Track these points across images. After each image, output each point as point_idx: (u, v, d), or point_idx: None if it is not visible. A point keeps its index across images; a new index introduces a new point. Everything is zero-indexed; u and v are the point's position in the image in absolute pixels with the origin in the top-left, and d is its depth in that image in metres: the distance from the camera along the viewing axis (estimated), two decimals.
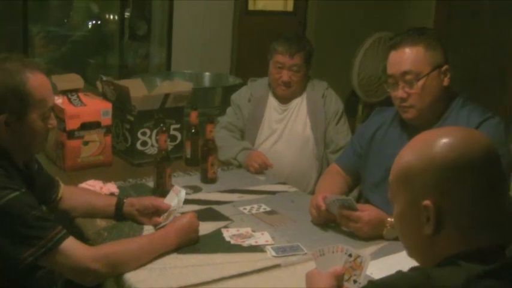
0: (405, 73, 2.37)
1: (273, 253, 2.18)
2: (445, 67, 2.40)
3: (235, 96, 3.51)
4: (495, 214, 1.31)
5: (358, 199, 2.74)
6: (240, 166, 3.18)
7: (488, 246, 1.29)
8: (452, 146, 1.31)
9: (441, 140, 1.33)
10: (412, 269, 1.31)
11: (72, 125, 2.95)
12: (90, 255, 1.96)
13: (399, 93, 2.40)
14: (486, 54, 5.42)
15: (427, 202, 1.30)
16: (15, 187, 1.90)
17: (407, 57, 2.38)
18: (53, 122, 2.13)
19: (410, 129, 2.53)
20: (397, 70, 2.40)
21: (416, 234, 1.35)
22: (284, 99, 3.41)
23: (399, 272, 1.32)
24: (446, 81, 2.41)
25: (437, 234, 1.31)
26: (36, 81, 2.01)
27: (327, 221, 2.44)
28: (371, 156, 2.66)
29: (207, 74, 5.02)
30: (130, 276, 1.98)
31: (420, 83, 2.36)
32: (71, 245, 1.93)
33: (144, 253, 2.07)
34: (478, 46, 5.43)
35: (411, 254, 1.43)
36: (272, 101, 3.42)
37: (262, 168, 3.09)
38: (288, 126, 3.39)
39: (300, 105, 3.39)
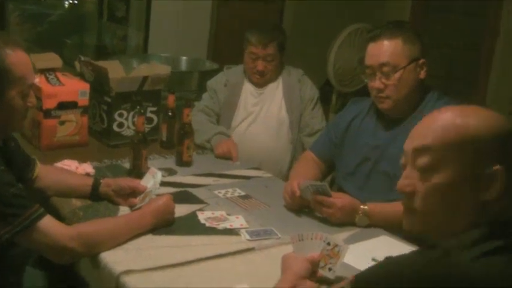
0: (383, 65, 2.42)
1: (247, 236, 2.21)
2: (422, 60, 2.46)
3: (211, 82, 3.54)
4: None
5: (331, 186, 2.78)
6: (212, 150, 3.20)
7: None
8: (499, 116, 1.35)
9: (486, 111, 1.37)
10: (431, 247, 1.30)
11: (49, 104, 2.94)
12: (67, 233, 1.96)
13: (376, 83, 2.45)
14: (460, 51, 5.49)
15: (497, 167, 1.30)
16: None
17: (385, 49, 2.43)
18: (32, 100, 2.11)
19: (385, 119, 2.58)
20: (375, 61, 2.44)
21: (466, 202, 1.33)
22: (259, 85, 3.45)
23: (416, 251, 1.34)
24: (422, 74, 2.47)
25: (498, 200, 1.31)
26: (15, 58, 1.99)
27: (301, 207, 2.48)
28: (346, 145, 2.70)
29: (184, 58, 5.01)
30: (106, 256, 1.99)
31: (397, 75, 2.41)
32: (48, 224, 1.93)
33: (121, 233, 2.09)
34: (453, 42, 5.50)
35: (438, 228, 1.38)
36: (248, 86, 3.46)
37: (226, 156, 3.10)
38: (263, 108, 3.43)
39: (275, 89, 3.44)
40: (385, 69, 2.43)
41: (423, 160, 1.38)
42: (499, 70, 4.92)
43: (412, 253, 1.34)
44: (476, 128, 1.34)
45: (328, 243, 1.85)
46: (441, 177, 1.35)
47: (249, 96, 3.45)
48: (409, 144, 1.43)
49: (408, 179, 1.41)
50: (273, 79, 3.44)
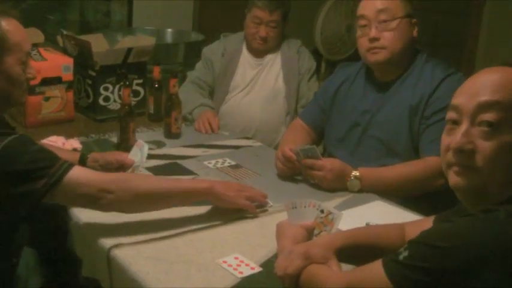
0: (381, 11, 2.40)
1: None
2: (414, 20, 2.46)
3: (206, 50, 3.48)
4: None
5: (323, 155, 2.76)
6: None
7: None
8: None
9: None
10: (486, 210, 1.28)
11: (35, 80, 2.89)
12: (102, 177, 1.90)
13: (372, 32, 2.41)
14: (447, 16, 5.45)
15: None
16: (11, 131, 1.86)
17: None
18: (32, 71, 2.07)
19: (374, 83, 2.55)
20: (371, 10, 2.42)
21: None
22: (259, 53, 3.39)
23: (473, 213, 1.31)
24: (415, 33, 2.45)
25: None
26: (10, 25, 1.96)
27: (293, 174, 2.45)
28: (335, 111, 2.67)
29: (169, 30, 4.97)
30: (96, 231, 1.97)
31: (395, 22, 2.39)
32: (80, 171, 1.87)
33: (167, 192, 1.99)
34: (439, 8, 5.46)
35: (499, 188, 1.36)
36: (246, 56, 3.41)
37: (206, 129, 3.06)
38: (260, 79, 3.39)
39: (274, 60, 3.39)
40: (383, 16, 2.39)
41: (491, 116, 1.34)
42: (487, 35, 4.88)
43: (472, 217, 1.30)
44: None
45: (322, 211, 1.82)
46: (510, 136, 1.33)
47: (247, 67, 3.40)
48: (469, 100, 1.38)
49: (467, 136, 1.36)
50: (273, 49, 3.38)
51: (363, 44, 2.48)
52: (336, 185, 2.35)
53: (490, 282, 1.22)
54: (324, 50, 5.13)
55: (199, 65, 3.48)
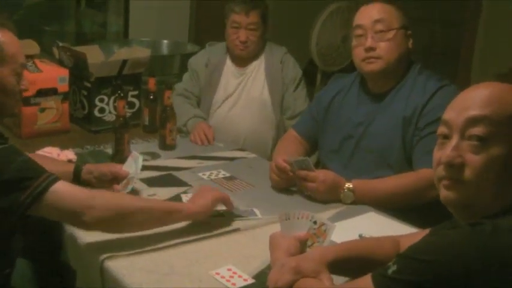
0: (377, 21, 2.41)
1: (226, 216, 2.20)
2: (409, 32, 2.48)
3: (192, 61, 3.49)
4: None
5: (316, 166, 2.76)
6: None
7: None
8: None
9: None
10: (476, 223, 1.29)
11: (28, 91, 2.89)
12: (86, 193, 1.89)
13: (368, 42, 2.42)
14: (442, 25, 5.47)
15: None
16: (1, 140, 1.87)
17: (379, 8, 2.45)
18: (25, 83, 2.10)
19: (367, 94, 2.57)
20: (368, 19, 2.43)
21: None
22: (241, 62, 3.39)
23: (461, 226, 1.32)
24: (410, 44, 2.48)
25: None
26: (5, 36, 1.99)
27: (287, 185, 2.46)
28: (328, 122, 2.68)
29: (165, 41, 4.99)
30: (89, 242, 1.97)
31: (391, 33, 2.40)
32: (64, 186, 1.85)
33: (148, 210, 1.96)
34: (435, 18, 5.48)
35: (486, 201, 1.38)
36: (229, 66, 3.40)
37: (202, 141, 3.06)
38: (245, 90, 3.38)
39: (257, 69, 3.38)
40: (379, 26, 2.41)
41: (480, 130, 1.37)
42: (483, 44, 4.89)
43: (458, 230, 1.32)
44: None
45: (315, 222, 1.83)
46: (499, 150, 1.36)
47: (230, 77, 3.40)
48: (458, 114, 1.41)
49: (456, 150, 1.39)
50: (255, 54, 3.37)
51: (358, 53, 2.49)
52: (329, 197, 2.36)
53: None
54: (320, 61, 5.13)
55: (185, 77, 3.48)
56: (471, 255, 1.24)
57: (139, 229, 1.96)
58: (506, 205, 1.35)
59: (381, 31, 2.41)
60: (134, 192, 2.32)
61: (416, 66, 2.52)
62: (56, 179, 1.84)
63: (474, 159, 1.37)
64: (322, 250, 1.72)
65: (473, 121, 1.38)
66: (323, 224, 1.82)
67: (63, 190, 1.83)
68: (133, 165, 2.34)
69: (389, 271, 1.33)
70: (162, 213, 2.00)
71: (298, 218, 1.84)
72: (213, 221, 2.13)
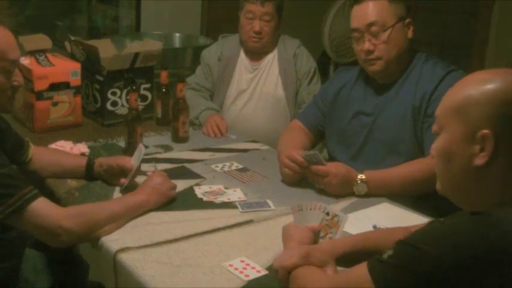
0: (371, 24, 2.39)
1: (240, 208, 2.19)
2: (408, 20, 2.44)
3: (205, 54, 3.46)
4: None
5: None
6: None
7: None
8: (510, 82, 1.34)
9: (499, 77, 1.35)
10: (474, 213, 1.28)
11: (40, 85, 2.91)
12: (62, 213, 1.93)
13: (366, 45, 2.41)
14: (455, 19, 5.43)
15: (485, 132, 1.31)
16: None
17: (371, 9, 2.40)
18: (18, 79, 2.08)
19: (374, 86, 2.55)
20: (362, 23, 2.41)
21: (464, 167, 1.35)
22: (255, 56, 3.36)
23: (462, 215, 1.32)
24: (410, 34, 2.45)
25: (489, 165, 1.32)
26: None
27: (299, 179, 2.44)
28: (336, 115, 2.66)
29: (177, 34, 4.97)
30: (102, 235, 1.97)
31: (386, 33, 2.38)
32: (42, 205, 1.89)
33: (119, 213, 2.03)
34: (447, 9, 5.44)
35: (453, 194, 1.43)
36: (243, 60, 3.37)
37: (215, 133, 3.05)
38: (258, 86, 3.36)
39: (271, 64, 3.35)
40: (374, 29, 2.39)
41: (434, 126, 1.45)
42: (496, 34, 4.85)
43: (459, 220, 1.31)
44: (468, 95, 1.38)
45: (327, 213, 1.82)
46: (440, 142, 1.42)
47: (244, 72, 3.37)
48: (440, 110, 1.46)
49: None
50: (269, 47, 3.34)
51: (359, 55, 2.49)
52: (343, 190, 2.33)
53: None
54: (332, 53, 5.12)
55: (199, 70, 3.46)
56: (473, 244, 1.23)
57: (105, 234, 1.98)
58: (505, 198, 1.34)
59: (377, 33, 2.39)
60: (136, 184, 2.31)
61: (421, 55, 2.50)
62: (33, 197, 1.87)
63: None
64: (333, 242, 1.73)
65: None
66: (336, 215, 1.81)
67: (38, 208, 1.88)
68: (138, 156, 2.34)
69: (385, 255, 1.33)
70: (129, 212, 2.06)
71: (310, 209, 1.83)
72: (225, 213, 2.12)
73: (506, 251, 1.21)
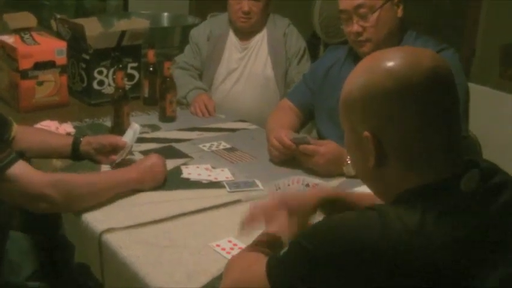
0: (359, 6, 2.35)
1: (228, 188, 2.17)
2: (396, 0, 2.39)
3: (193, 33, 3.41)
4: (446, 142, 1.21)
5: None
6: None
7: (442, 179, 1.19)
8: (392, 72, 1.19)
9: (382, 65, 1.21)
10: (368, 208, 1.20)
11: (25, 64, 2.86)
12: (43, 179, 1.88)
13: (354, 27, 2.37)
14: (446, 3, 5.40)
15: (366, 133, 1.21)
16: None
17: None
18: None
19: None
20: (349, 5, 2.37)
21: (364, 165, 1.26)
22: (244, 35, 3.31)
23: (356, 210, 1.24)
24: (400, 13, 2.41)
25: (382, 167, 1.22)
26: None
27: (286, 158, 2.41)
28: (325, 94, 2.63)
29: (166, 14, 4.93)
30: (87, 215, 1.94)
31: (375, 15, 2.34)
32: (22, 169, 1.85)
33: (102, 188, 1.99)
34: None
35: (367, 186, 1.35)
36: (232, 39, 3.33)
37: (203, 112, 3.01)
38: (248, 65, 3.32)
39: (260, 44, 3.31)
40: (362, 11, 2.35)
41: None
42: (487, 16, 4.82)
43: (350, 214, 1.23)
44: (349, 90, 1.27)
45: (307, 185, 1.78)
46: (345, 137, 1.33)
47: (233, 51, 3.33)
48: None
49: None
50: (258, 27, 3.29)
51: (348, 36, 2.45)
52: (332, 170, 2.29)
53: None
54: (322, 33, 5.08)
55: (187, 49, 3.42)
56: (345, 239, 1.15)
57: (92, 204, 1.96)
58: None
59: (365, 15, 2.35)
60: (129, 161, 2.28)
61: (412, 33, 2.47)
62: (13, 160, 1.83)
63: None
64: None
65: None
66: (316, 185, 1.78)
67: (20, 172, 1.83)
68: (132, 134, 2.31)
69: (281, 252, 1.28)
70: (109, 191, 2.02)
71: (289, 185, 1.80)
72: (212, 193, 2.09)
73: (378, 249, 1.12)
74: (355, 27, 2.37)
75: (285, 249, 1.28)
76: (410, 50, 1.27)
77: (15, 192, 1.85)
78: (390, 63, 1.20)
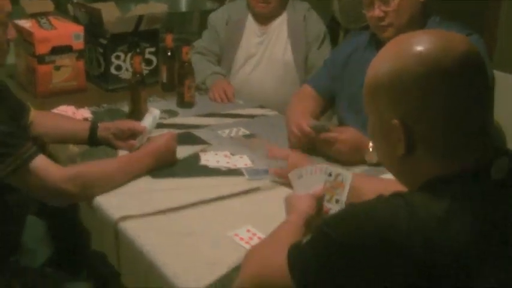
0: None
1: (247, 176, 2.13)
2: None
3: (212, 17, 3.36)
4: (478, 128, 1.17)
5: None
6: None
7: (473, 166, 1.15)
8: (422, 57, 1.15)
9: (411, 50, 1.16)
10: (394, 195, 1.17)
11: (42, 49, 2.83)
12: (61, 174, 1.89)
13: (376, 12, 2.32)
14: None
15: (395, 121, 1.16)
16: None
17: None
18: (12, 32, 2.04)
19: None
20: None
21: (391, 153, 1.21)
22: (264, 19, 3.26)
23: (381, 197, 1.19)
24: None
25: (411, 155, 1.18)
26: None
27: (306, 147, 2.37)
28: (346, 80, 2.58)
29: None
30: (103, 202, 1.92)
31: (396, 0, 2.28)
32: (41, 163, 1.87)
33: (117, 174, 2.01)
34: None
35: (392, 174, 1.30)
36: (251, 23, 3.28)
37: (222, 98, 2.97)
38: (267, 50, 3.26)
39: (280, 28, 3.25)
40: None
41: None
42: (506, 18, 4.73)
43: (376, 201, 1.19)
44: (376, 74, 1.23)
45: (330, 174, 1.73)
46: (369, 123, 1.29)
47: (252, 35, 3.28)
48: None
49: None
50: (277, 11, 3.23)
51: (370, 21, 2.40)
52: (353, 157, 2.25)
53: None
54: (342, 18, 5.01)
55: (205, 34, 3.37)
56: (377, 227, 1.12)
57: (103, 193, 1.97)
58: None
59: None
60: None
61: (435, 18, 2.40)
62: (33, 155, 1.85)
63: None
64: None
65: None
66: (339, 174, 1.73)
67: (38, 168, 1.85)
68: (151, 119, 2.27)
69: (304, 240, 1.25)
70: (126, 178, 2.03)
71: (311, 173, 1.75)
72: (231, 180, 2.06)
73: (405, 240, 1.09)
74: (377, 12, 2.32)
75: (307, 237, 1.24)
76: (440, 33, 1.21)
77: (34, 186, 1.88)
78: (419, 47, 1.16)
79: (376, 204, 1.17)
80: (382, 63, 1.22)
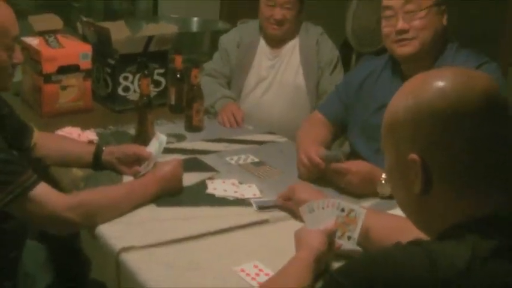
0: (408, 1, 2.24)
1: (255, 207, 2.05)
2: (443, 7, 2.29)
3: (223, 40, 3.31)
4: (502, 167, 1.10)
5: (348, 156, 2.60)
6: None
7: (498, 208, 1.09)
8: (443, 93, 1.11)
9: (432, 86, 1.13)
10: (412, 244, 1.10)
11: (48, 68, 2.78)
12: (63, 203, 1.84)
13: (400, 24, 2.25)
14: (483, 11, 5.26)
15: (413, 156, 1.12)
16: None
17: None
18: (18, 56, 2.01)
19: (401, 77, 2.39)
20: (397, 0, 2.25)
21: (407, 192, 1.16)
22: (276, 43, 3.20)
23: (398, 244, 1.13)
24: (445, 21, 2.30)
25: (428, 194, 1.12)
26: None
27: (316, 177, 2.29)
28: (359, 106, 2.51)
29: (195, 19, 4.85)
30: (106, 231, 1.85)
31: (423, 13, 2.23)
32: (42, 192, 1.82)
33: (122, 202, 1.95)
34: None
35: (407, 215, 1.23)
36: (263, 46, 3.22)
37: (231, 123, 2.91)
38: (278, 74, 3.20)
39: (292, 52, 3.19)
40: (409, 6, 2.24)
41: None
42: None
43: (393, 250, 1.13)
44: (395, 110, 1.19)
45: (343, 210, 1.67)
46: (386, 161, 1.24)
47: (264, 59, 3.22)
48: None
49: None
50: (290, 34, 3.18)
51: (389, 35, 2.32)
52: (365, 189, 2.18)
53: None
54: (355, 42, 4.97)
55: (216, 56, 3.31)
56: (385, 277, 1.06)
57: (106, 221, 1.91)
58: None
59: (412, 11, 2.24)
60: None
61: (453, 46, 2.35)
62: (33, 184, 1.80)
63: None
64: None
65: None
66: (352, 210, 1.67)
67: (38, 196, 1.81)
68: (157, 146, 2.21)
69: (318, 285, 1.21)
70: (130, 206, 1.97)
71: (323, 208, 1.69)
72: (238, 211, 1.99)
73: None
74: (401, 24, 2.25)
75: (319, 286, 1.17)
76: (461, 70, 1.18)
77: (34, 214, 1.83)
78: (442, 83, 1.12)
79: (392, 253, 1.11)
80: (403, 98, 1.17)
